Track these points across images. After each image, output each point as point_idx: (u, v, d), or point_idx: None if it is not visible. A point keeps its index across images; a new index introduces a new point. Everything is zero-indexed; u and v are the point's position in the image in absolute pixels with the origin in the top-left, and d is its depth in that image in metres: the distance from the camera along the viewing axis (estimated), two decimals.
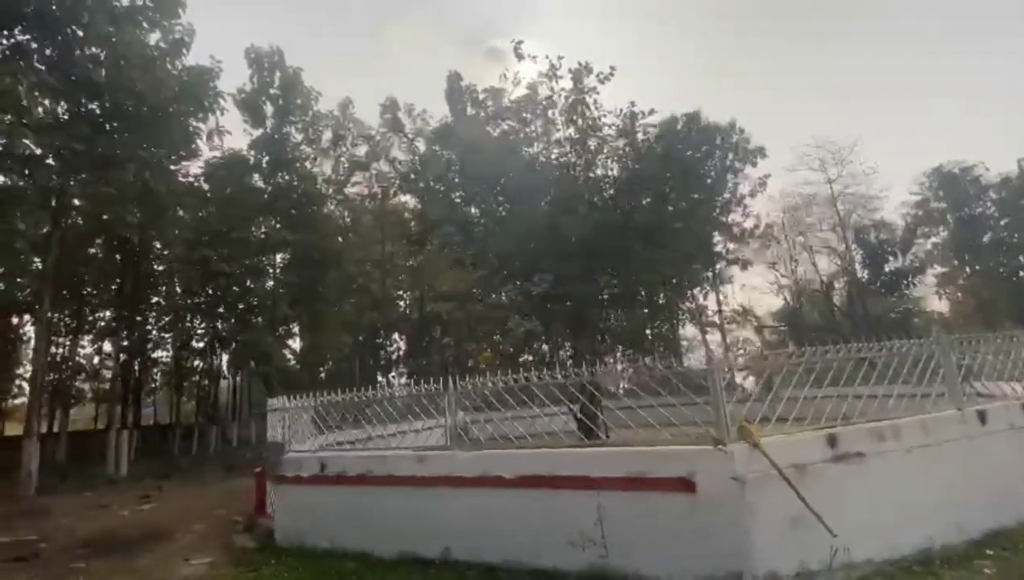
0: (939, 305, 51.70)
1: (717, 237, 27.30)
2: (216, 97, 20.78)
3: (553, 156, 15.80)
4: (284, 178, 26.30)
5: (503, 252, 12.97)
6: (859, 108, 74.63)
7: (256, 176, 26.09)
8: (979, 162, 48.46)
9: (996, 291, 44.23)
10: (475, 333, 27.91)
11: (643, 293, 15.84)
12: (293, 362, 35.78)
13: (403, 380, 52.72)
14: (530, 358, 12.49)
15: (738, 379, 22.29)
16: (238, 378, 34.77)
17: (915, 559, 4.77)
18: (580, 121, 13.63)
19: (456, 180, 24.02)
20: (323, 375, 41.70)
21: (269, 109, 25.38)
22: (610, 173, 13.66)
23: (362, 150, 30.32)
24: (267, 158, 25.51)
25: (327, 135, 28.19)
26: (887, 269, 36.16)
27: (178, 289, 27.91)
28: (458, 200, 23.91)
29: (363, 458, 6.95)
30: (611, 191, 13.93)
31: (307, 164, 27.28)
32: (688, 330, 38.04)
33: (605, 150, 14.34)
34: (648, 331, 21.62)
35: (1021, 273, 43.00)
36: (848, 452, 5.03)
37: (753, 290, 32.41)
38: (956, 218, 49.15)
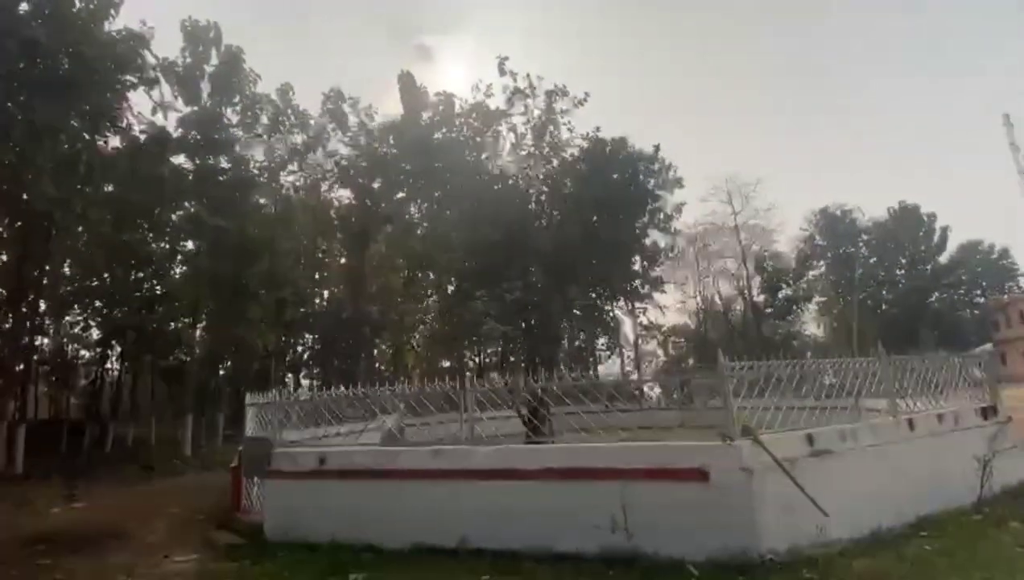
0: (816, 330, 58.48)
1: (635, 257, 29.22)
2: (147, 68, 19.43)
3: (510, 168, 16.38)
4: (213, 160, 24.74)
5: (471, 260, 13.27)
6: (768, 145, 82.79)
7: (183, 156, 24.30)
8: (856, 206, 55.63)
9: (864, 320, 50.68)
10: (408, 335, 27.77)
11: (595, 304, 16.72)
12: (186, 358, 33.39)
13: (310, 382, 50.77)
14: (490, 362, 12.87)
15: (645, 389, 24.15)
16: (128, 373, 31.89)
17: (871, 539, 5.81)
18: (548, 138, 14.31)
19: (403, 179, 23.97)
20: (222, 372, 39.04)
21: (206, 87, 23.81)
22: (566, 189, 14.44)
23: (298, 139, 29.15)
24: (197, 137, 23.88)
25: (263, 120, 26.84)
26: (780, 295, 40.34)
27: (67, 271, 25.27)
28: (402, 198, 23.85)
29: (370, 452, 7.08)
30: (568, 205, 14.72)
31: (239, 148, 25.82)
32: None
33: (557, 166, 15.14)
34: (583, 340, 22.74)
35: (883, 306, 49.52)
36: (821, 449, 6.02)
37: (661, 308, 34.64)
38: (834, 254, 55.96)
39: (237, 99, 24.89)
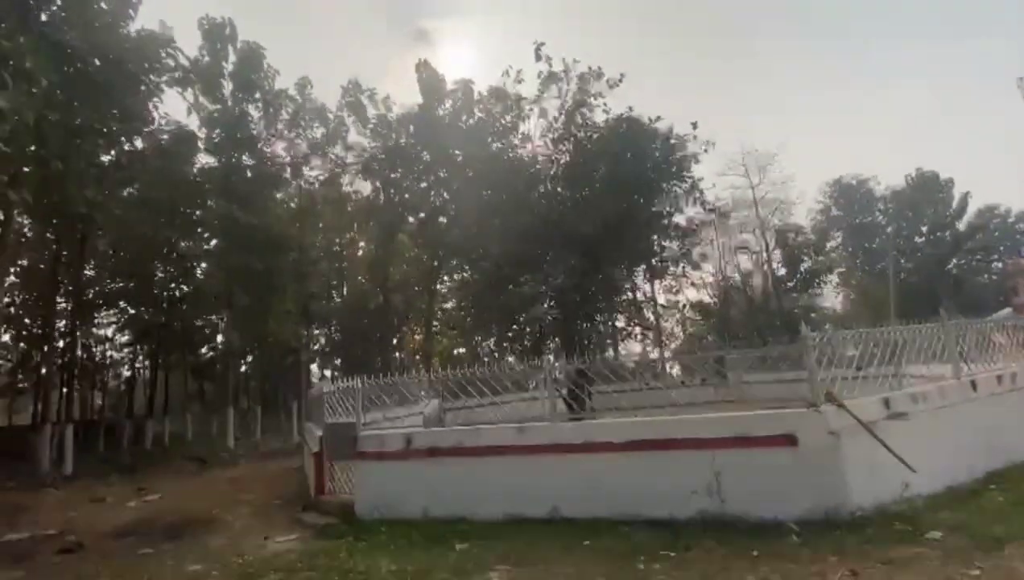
0: (835, 302, 58.28)
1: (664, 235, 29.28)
2: (179, 68, 19.68)
3: (540, 151, 16.48)
4: (237, 158, 25.04)
5: (510, 246, 13.50)
6: (784, 118, 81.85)
7: (207, 154, 24.65)
8: (872, 176, 55.17)
9: (883, 290, 50.44)
10: (436, 322, 28.14)
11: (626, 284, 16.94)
12: (219, 352, 34.06)
13: (331, 373, 51.59)
14: (550, 344, 13.18)
15: (667, 368, 24.38)
16: (160, 370, 32.59)
17: (947, 494, 6.10)
18: (579, 120, 14.45)
19: (423, 168, 24.11)
20: (249, 366, 39.77)
21: (228, 84, 24.02)
22: (599, 172, 14.55)
23: (318, 132, 29.35)
24: (222, 136, 24.17)
25: (283, 115, 27.07)
26: (802, 268, 40.28)
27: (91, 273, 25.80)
28: (425, 188, 24.05)
29: (455, 432, 7.45)
30: (601, 186, 14.82)
31: (262, 144, 26.12)
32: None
33: (590, 147, 15.19)
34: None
35: (902, 275, 49.17)
36: (897, 412, 6.29)
37: (685, 285, 34.62)
38: (850, 225, 55.57)
39: (258, 96, 25.05)
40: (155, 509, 10.18)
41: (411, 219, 28.45)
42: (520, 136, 17.16)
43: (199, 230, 26.89)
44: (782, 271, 42.51)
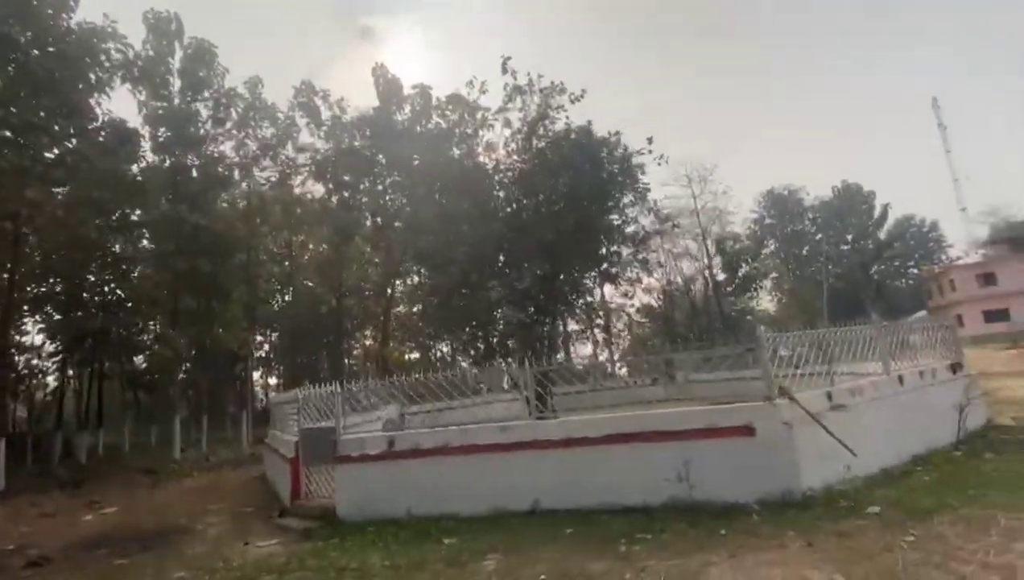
0: (769, 305, 61.77)
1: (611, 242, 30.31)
2: (121, 65, 18.91)
3: (501, 160, 16.88)
4: (185, 157, 24.14)
5: (473, 251, 13.81)
6: (723, 132, 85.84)
7: (150, 153, 23.63)
8: (802, 186, 58.96)
9: (813, 294, 53.97)
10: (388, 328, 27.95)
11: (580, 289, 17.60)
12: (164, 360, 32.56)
13: (276, 381, 49.99)
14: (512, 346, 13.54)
15: (617, 369, 25.39)
16: (95, 379, 30.74)
17: (882, 475, 6.93)
18: (542, 131, 14.99)
19: (379, 171, 24.07)
20: (184, 376, 37.96)
21: (176, 82, 23.13)
22: (562, 181, 15.11)
23: (268, 132, 28.62)
24: (167, 134, 23.24)
25: (233, 115, 26.25)
26: (740, 274, 42.57)
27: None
28: (380, 191, 24.02)
29: (438, 432, 7.71)
30: (561, 194, 15.39)
31: (212, 144, 25.29)
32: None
33: (550, 157, 15.75)
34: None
35: (830, 280, 52.82)
36: (838, 404, 7.09)
37: (634, 288, 36.05)
38: (783, 233, 59.23)
39: (207, 94, 24.25)
40: (116, 521, 9.84)
41: (367, 223, 28.22)
42: (484, 144, 17.55)
43: (140, 231, 25.65)
44: (721, 276, 44.66)
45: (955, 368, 9.49)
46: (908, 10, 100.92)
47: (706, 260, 45.23)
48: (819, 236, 55.55)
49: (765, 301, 58.77)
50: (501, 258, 15.23)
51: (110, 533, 8.88)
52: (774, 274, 54.46)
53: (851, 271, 53.95)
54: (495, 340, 14.41)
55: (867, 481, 6.66)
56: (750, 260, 42.20)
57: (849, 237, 56.14)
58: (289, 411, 10.79)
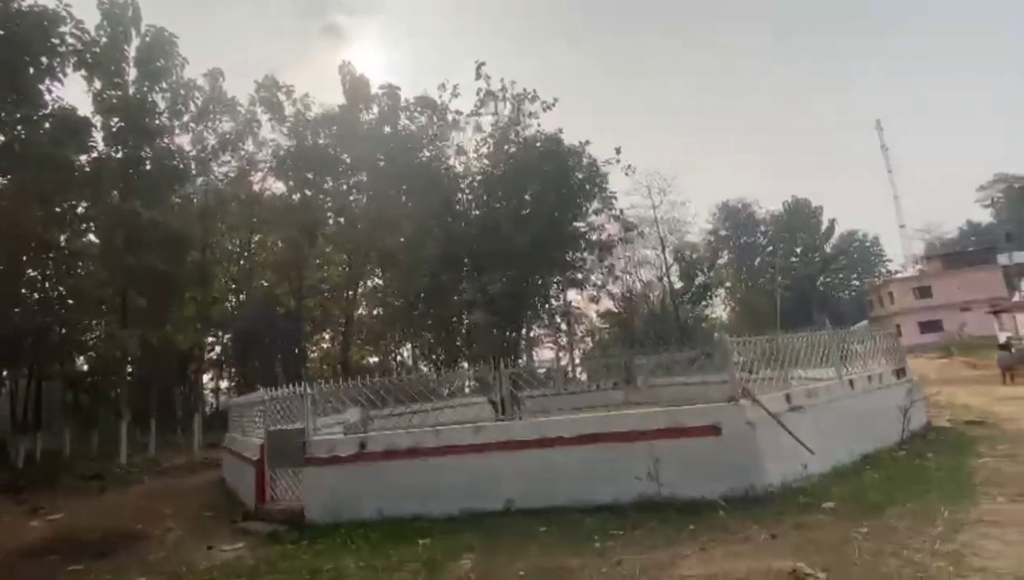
0: (722, 313, 63.85)
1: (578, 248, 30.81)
2: (68, 53, 18.08)
3: (472, 165, 17.01)
4: (139, 149, 23.15)
5: (444, 253, 13.82)
6: (684, 145, 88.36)
7: (102, 143, 22.56)
8: (755, 200, 61.35)
9: (763, 303, 56.19)
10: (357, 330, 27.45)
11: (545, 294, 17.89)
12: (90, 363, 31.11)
13: (228, 383, 48.32)
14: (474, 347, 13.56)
15: (577, 374, 25.85)
16: (32, 381, 28.96)
17: (834, 473, 7.35)
18: (513, 136, 15.18)
19: (343, 170, 23.76)
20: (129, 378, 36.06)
21: (132, 71, 22.19)
22: (533, 187, 15.34)
23: (227, 126, 27.79)
24: (121, 124, 22.26)
25: (192, 107, 25.38)
26: (696, 283, 43.93)
27: None
28: (345, 191, 23.73)
29: (412, 434, 7.71)
30: (530, 200, 15.62)
31: (168, 137, 24.37)
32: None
33: (521, 163, 15.96)
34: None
35: (780, 290, 55.08)
36: (796, 405, 7.49)
37: (601, 295, 36.76)
38: (736, 244, 61.43)
39: (165, 85, 23.38)
40: (65, 528, 9.33)
41: (331, 221, 27.72)
42: (456, 148, 17.52)
43: (87, 225, 24.42)
44: (679, 284, 45.90)
45: (899, 374, 10.14)
46: (850, 34, 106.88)
47: (664, 268, 46.47)
48: (770, 248, 57.87)
49: (719, 309, 60.92)
50: (468, 262, 15.29)
51: (60, 540, 8.43)
52: (727, 283, 56.36)
53: (799, 282, 56.42)
54: (462, 344, 14.41)
55: (822, 478, 7.05)
56: (706, 269, 43.62)
57: (798, 250, 58.75)
58: (253, 413, 10.52)
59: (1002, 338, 26.95)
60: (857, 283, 63.24)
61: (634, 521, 6.22)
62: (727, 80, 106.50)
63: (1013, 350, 21.62)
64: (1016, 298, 26.32)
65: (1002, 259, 44.19)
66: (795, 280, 56.46)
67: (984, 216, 66.37)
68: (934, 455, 8.09)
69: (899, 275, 55.91)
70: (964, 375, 23.84)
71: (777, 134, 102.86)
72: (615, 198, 16.13)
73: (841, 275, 63.48)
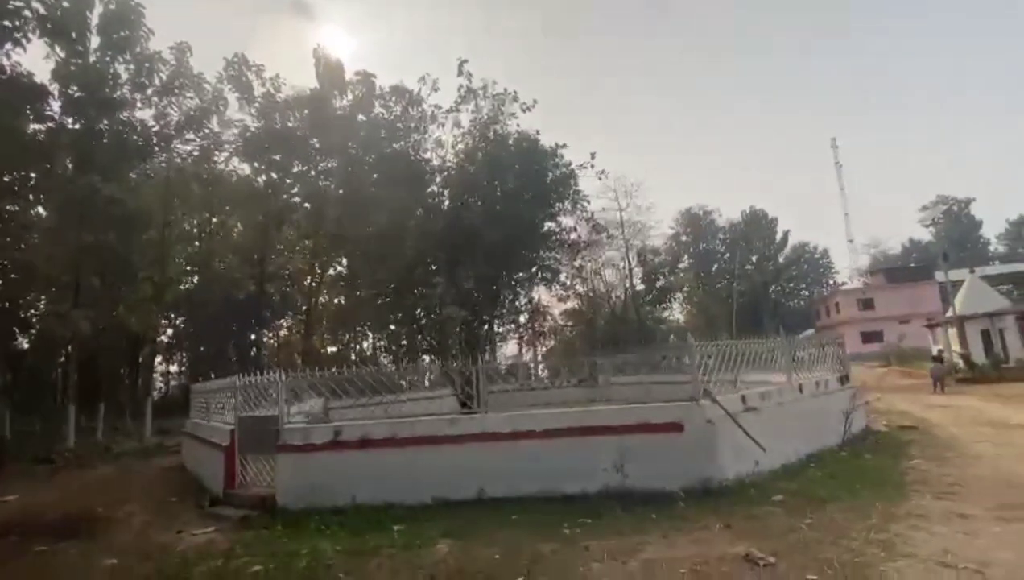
0: (680, 316, 65.71)
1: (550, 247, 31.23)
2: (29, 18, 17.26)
3: (447, 160, 17.13)
4: (98, 121, 22.21)
5: (419, 247, 13.93)
6: (649, 152, 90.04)
7: (59, 113, 21.53)
8: (716, 208, 63.37)
9: (719, 307, 58.20)
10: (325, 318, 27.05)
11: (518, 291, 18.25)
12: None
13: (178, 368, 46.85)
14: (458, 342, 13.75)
15: (540, 370, 26.38)
16: None
17: (782, 470, 7.94)
18: (491, 135, 15.39)
19: (313, 155, 23.50)
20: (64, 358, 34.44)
21: (95, 39, 21.24)
22: (508, 184, 15.57)
23: (192, 103, 26.87)
24: (80, 94, 21.30)
25: (156, 81, 24.42)
26: (657, 286, 45.15)
27: None
28: (314, 177, 23.48)
29: (387, 424, 7.90)
30: (502, 197, 15.85)
31: (129, 110, 23.46)
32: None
33: (497, 161, 16.16)
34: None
35: (735, 296, 57.12)
36: (751, 406, 8.04)
37: (569, 294, 37.43)
38: (696, 250, 63.31)
39: (129, 56, 22.46)
40: (20, 510, 9.08)
41: (298, 206, 27.25)
42: (434, 141, 17.53)
43: (38, 197, 23.24)
44: (640, 286, 47.01)
45: (843, 380, 10.92)
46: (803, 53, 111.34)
47: (628, 270, 47.50)
48: (728, 255, 59.92)
49: (677, 312, 62.73)
50: (441, 256, 15.43)
51: (17, 521, 8.21)
52: (686, 288, 58.02)
53: (753, 289, 58.64)
54: (431, 337, 14.59)
55: (772, 474, 7.62)
56: (667, 273, 44.85)
57: (753, 258, 61.05)
58: (220, 399, 10.45)
59: (934, 350, 28.89)
60: (806, 293, 66.26)
61: (600, 510, 6.60)
62: (692, 91, 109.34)
63: (944, 362, 23.31)
64: (948, 314, 28.26)
65: (939, 276, 47.20)
66: (749, 287, 58.64)
67: (926, 234, 70.53)
68: (872, 456, 8.82)
69: (845, 287, 58.82)
70: (900, 384, 25.52)
71: (738, 145, 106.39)
72: (587, 201, 16.62)
73: (792, 284, 66.36)
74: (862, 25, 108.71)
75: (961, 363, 24.40)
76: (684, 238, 63.34)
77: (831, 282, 66.72)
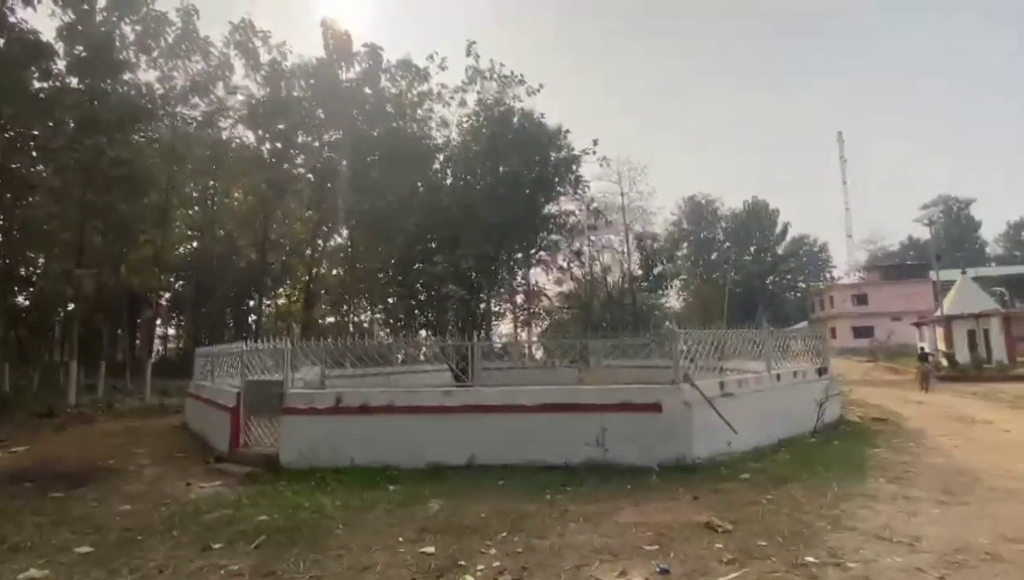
0: (676, 302, 66.30)
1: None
2: None
3: (452, 139, 17.35)
4: (103, 81, 22.27)
5: (423, 223, 14.27)
6: (655, 137, 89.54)
7: (65, 73, 21.59)
8: (719, 197, 63.52)
9: (714, 296, 58.75)
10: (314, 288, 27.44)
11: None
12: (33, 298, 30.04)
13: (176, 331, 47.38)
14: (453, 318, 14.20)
15: (533, 351, 26.97)
16: None
17: (753, 452, 8.47)
18: (496, 116, 15.64)
19: (317, 125, 23.63)
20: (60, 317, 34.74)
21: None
22: (508, 166, 15.86)
23: (197, 67, 26.84)
24: (85, 54, 21.33)
25: (162, 44, 24.39)
26: (655, 272, 45.56)
27: None
28: (319, 147, 23.65)
29: (386, 392, 8.38)
30: (511, 175, 16.04)
31: (135, 72, 23.52)
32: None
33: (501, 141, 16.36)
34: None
35: (731, 285, 57.71)
36: (728, 392, 8.55)
37: (563, 274, 37.79)
38: (696, 238, 63.61)
39: (135, 16, 22.44)
40: (33, 459, 9.60)
41: (301, 177, 27.44)
42: (439, 120, 17.69)
43: (40, 155, 23.38)
44: (638, 272, 47.38)
45: (821, 372, 11.44)
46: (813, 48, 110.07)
47: (626, 255, 47.84)
48: (727, 244, 60.29)
49: (673, 299, 63.30)
50: (443, 234, 15.78)
51: (31, 470, 8.73)
52: (683, 275, 58.48)
53: (750, 279, 59.20)
54: (432, 315, 15.04)
55: (743, 455, 8.16)
56: (665, 260, 45.22)
57: (752, 249, 61.45)
58: (225, 363, 10.95)
59: (919, 348, 29.55)
60: (803, 285, 66.84)
61: (581, 479, 7.14)
62: (697, 77, 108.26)
63: (930, 361, 23.93)
64: (937, 313, 28.85)
65: (933, 275, 47.79)
66: (746, 277, 59.18)
67: (925, 233, 70.85)
68: (839, 443, 9.38)
69: (840, 281, 59.38)
70: (884, 379, 26.20)
71: (743, 135, 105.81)
72: (588, 185, 16.91)
73: (789, 276, 66.90)
74: (872, 24, 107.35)
75: (944, 362, 25.04)
76: (685, 226, 63.62)
77: (828, 276, 67.31)
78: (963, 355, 25.03)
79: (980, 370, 23.02)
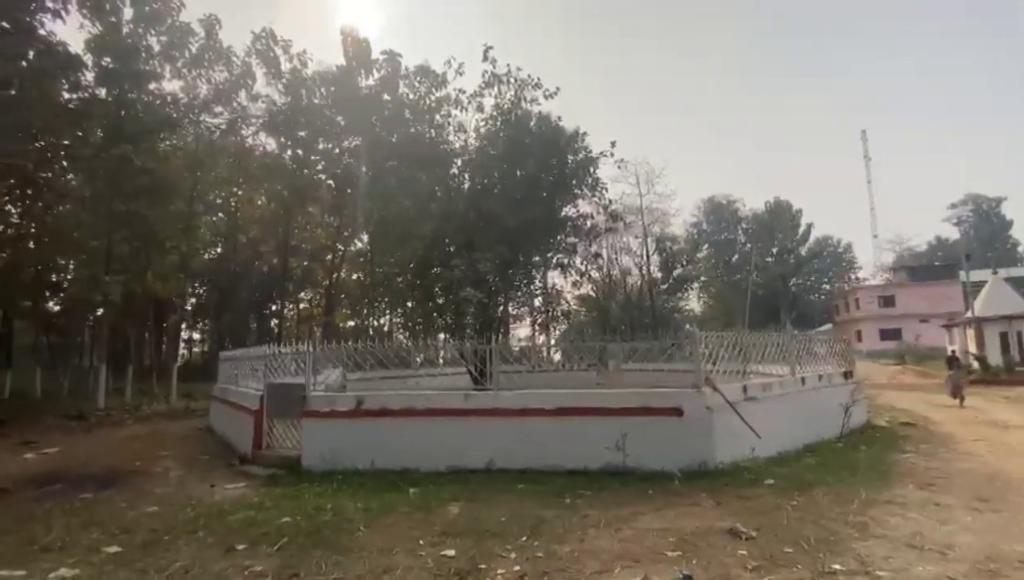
0: (696, 305, 65.54)
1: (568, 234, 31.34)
2: None
3: (469, 143, 17.33)
4: (130, 92, 22.85)
5: (440, 228, 14.30)
6: (675, 139, 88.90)
7: (93, 84, 22.22)
8: (740, 198, 62.70)
9: (736, 298, 57.95)
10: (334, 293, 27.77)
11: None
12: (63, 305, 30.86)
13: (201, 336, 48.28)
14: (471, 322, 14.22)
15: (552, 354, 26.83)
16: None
17: (778, 457, 8.32)
18: (513, 120, 15.62)
19: (338, 132, 23.88)
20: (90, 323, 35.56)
21: (128, 11, 21.79)
22: (527, 169, 15.78)
23: (220, 77, 27.43)
24: (113, 65, 21.93)
25: (186, 54, 25.00)
26: (674, 274, 45.18)
27: None
28: (338, 154, 23.90)
29: (406, 395, 8.44)
30: (528, 179, 16.00)
31: (160, 82, 24.11)
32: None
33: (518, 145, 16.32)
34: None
35: (753, 287, 56.81)
36: (752, 396, 8.41)
37: (584, 281, 37.71)
38: (717, 239, 62.85)
39: (161, 28, 23.02)
40: (63, 461, 9.85)
41: (322, 184, 27.83)
42: (456, 125, 17.79)
43: (75, 165, 24.09)
44: (657, 274, 46.99)
45: (847, 375, 11.20)
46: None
47: (645, 257, 47.50)
48: (748, 246, 59.43)
49: (693, 301, 62.60)
50: (460, 238, 15.81)
51: (60, 471, 8.97)
52: (703, 278, 57.84)
53: (772, 282, 58.25)
54: (451, 318, 15.06)
55: (767, 460, 8.01)
56: (685, 262, 44.80)
57: (775, 250, 60.49)
58: (248, 367, 11.12)
59: (948, 351, 28.73)
60: (827, 287, 65.56)
61: (600, 484, 7.08)
62: (718, 77, 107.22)
63: (961, 366, 23.21)
64: (967, 315, 28.05)
65: (962, 276, 46.52)
66: (768, 279, 58.25)
67: (953, 233, 69.05)
68: (866, 448, 9.15)
69: (866, 283, 58.10)
70: (913, 382, 25.55)
71: (765, 135, 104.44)
72: (606, 188, 16.82)
73: (812, 278, 65.69)
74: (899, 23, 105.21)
75: (975, 364, 24.33)
76: (705, 227, 62.91)
77: (853, 277, 65.89)
78: (995, 358, 24.29)
79: (1012, 373, 22.31)
